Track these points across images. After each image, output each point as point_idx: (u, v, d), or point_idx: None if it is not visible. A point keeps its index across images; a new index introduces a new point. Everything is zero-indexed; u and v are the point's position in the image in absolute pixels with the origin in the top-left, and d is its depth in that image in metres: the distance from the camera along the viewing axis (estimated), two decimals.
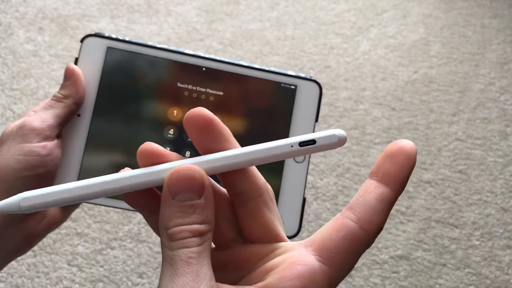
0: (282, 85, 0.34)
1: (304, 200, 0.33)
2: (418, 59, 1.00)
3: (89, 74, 0.33)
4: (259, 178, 0.21)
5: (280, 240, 0.21)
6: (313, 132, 0.33)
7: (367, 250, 0.76)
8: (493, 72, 1.00)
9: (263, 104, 0.34)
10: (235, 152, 0.20)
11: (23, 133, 0.29)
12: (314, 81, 0.34)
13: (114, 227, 0.74)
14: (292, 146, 0.20)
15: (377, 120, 0.90)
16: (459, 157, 0.88)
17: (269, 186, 0.22)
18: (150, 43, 0.34)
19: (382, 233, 0.78)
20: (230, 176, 0.21)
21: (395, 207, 0.81)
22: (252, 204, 0.21)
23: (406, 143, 0.20)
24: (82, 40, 0.33)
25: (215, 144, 0.21)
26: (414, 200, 0.82)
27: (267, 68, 0.34)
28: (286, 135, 0.34)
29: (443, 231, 0.80)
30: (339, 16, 1.04)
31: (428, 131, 0.90)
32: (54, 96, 0.32)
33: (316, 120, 0.34)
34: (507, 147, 0.90)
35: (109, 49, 0.33)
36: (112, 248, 0.73)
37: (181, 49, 0.34)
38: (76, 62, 0.33)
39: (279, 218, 0.22)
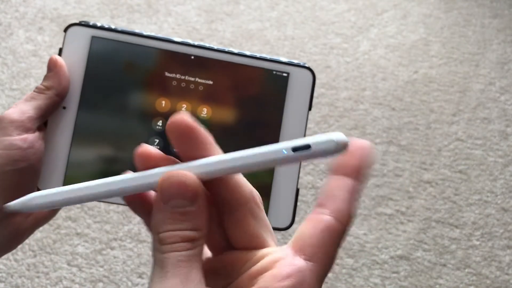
0: (274, 72, 0.33)
1: (297, 191, 0.32)
2: (418, 59, 1.00)
3: (74, 65, 0.32)
4: (244, 186, 0.21)
5: (267, 247, 0.21)
6: (306, 121, 0.33)
7: (367, 250, 0.76)
8: (493, 72, 1.00)
9: (254, 92, 0.33)
10: (227, 157, 0.20)
11: (2, 126, 0.28)
12: (307, 68, 0.33)
13: (114, 227, 0.74)
14: (284, 152, 0.19)
15: (377, 120, 0.90)
16: (459, 157, 0.88)
17: (256, 193, 0.22)
18: (136, 31, 0.32)
19: (382, 233, 0.78)
20: (215, 185, 0.21)
21: (395, 207, 0.81)
22: (238, 213, 0.21)
23: (360, 140, 0.21)
24: (65, 30, 0.32)
25: (197, 152, 0.21)
26: (414, 200, 0.82)
27: (258, 55, 0.32)
28: (278, 125, 0.33)
29: (443, 231, 0.80)
30: (339, 16, 1.04)
31: (428, 131, 0.90)
32: (36, 88, 0.30)
33: (310, 109, 0.33)
34: (507, 147, 0.90)
35: (93, 38, 0.32)
36: (112, 248, 0.73)
37: (168, 37, 0.32)
38: (60, 53, 0.32)
39: (267, 225, 0.22)
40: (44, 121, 0.30)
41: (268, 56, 0.33)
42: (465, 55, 1.01)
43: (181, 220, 0.19)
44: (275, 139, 0.32)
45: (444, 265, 0.77)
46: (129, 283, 0.71)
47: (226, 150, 0.29)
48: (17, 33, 0.93)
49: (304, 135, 0.32)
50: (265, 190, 0.32)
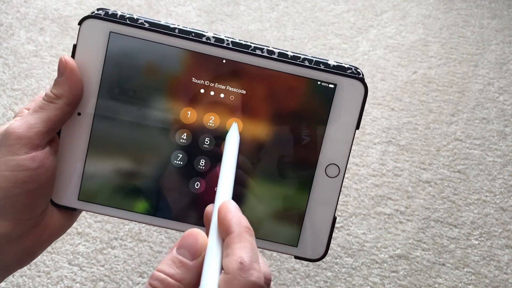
0: (319, 83, 0.28)
1: (334, 219, 0.29)
2: (417, 59, 1.00)
3: (90, 65, 0.28)
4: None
5: None
6: (352, 141, 0.28)
7: (366, 249, 0.76)
8: (492, 72, 1.00)
9: (293, 106, 0.28)
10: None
11: (8, 143, 0.25)
12: (359, 79, 0.28)
13: (115, 227, 0.75)
14: None
15: (377, 120, 0.91)
16: (458, 157, 0.88)
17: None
18: (162, 22, 0.28)
19: (381, 232, 0.79)
20: None
21: (394, 206, 0.81)
22: None
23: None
24: (80, 23, 0.28)
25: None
26: (413, 200, 0.83)
27: (301, 56, 0.28)
28: (318, 144, 0.29)
29: (442, 231, 0.80)
30: (338, 17, 1.05)
31: (427, 131, 0.91)
32: (45, 95, 0.27)
33: (357, 127, 0.28)
34: (506, 147, 0.91)
35: (112, 34, 0.28)
36: (113, 248, 0.73)
37: (199, 31, 0.28)
38: (74, 51, 0.28)
39: None
40: (54, 134, 0.28)
41: (315, 58, 0.28)
42: (464, 55, 1.02)
43: (177, 267, 0.21)
44: (314, 161, 0.29)
45: (443, 265, 0.78)
46: (130, 282, 0.71)
47: (256, 169, 0.29)
48: (18, 33, 0.93)
49: (348, 158, 0.29)
50: (297, 216, 0.29)
